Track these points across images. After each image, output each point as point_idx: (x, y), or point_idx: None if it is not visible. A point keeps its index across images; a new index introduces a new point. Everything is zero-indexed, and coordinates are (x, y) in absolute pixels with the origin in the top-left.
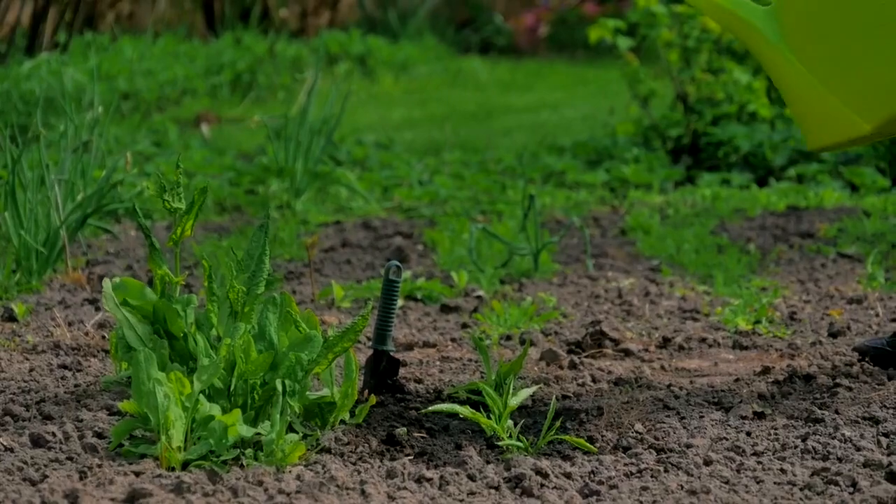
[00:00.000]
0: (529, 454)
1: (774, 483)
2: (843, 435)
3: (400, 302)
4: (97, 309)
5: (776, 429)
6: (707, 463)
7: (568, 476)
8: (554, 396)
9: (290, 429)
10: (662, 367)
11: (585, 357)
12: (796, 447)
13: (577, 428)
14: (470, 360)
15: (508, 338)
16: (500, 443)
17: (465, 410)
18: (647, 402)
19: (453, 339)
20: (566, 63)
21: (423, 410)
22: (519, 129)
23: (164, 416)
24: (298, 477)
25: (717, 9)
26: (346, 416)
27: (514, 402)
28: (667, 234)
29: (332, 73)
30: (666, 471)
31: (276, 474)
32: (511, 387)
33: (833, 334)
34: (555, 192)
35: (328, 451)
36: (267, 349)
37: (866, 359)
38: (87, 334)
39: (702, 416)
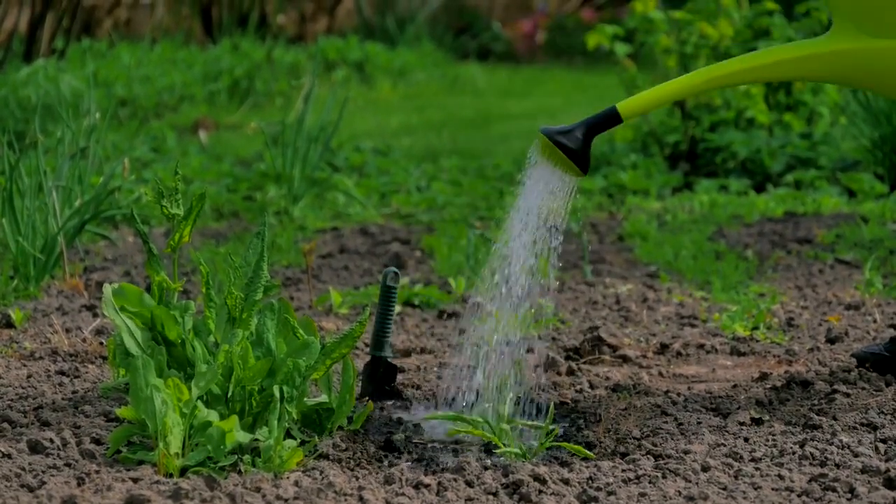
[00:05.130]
0: (527, 460)
1: (772, 489)
2: (840, 441)
3: (398, 308)
4: (95, 315)
5: (774, 435)
6: (705, 469)
7: (566, 482)
8: (552, 402)
9: (288, 435)
10: (660, 374)
11: (583, 363)
12: (794, 453)
13: (575, 434)
14: (469, 365)
15: (506, 344)
16: (497, 451)
17: (462, 419)
18: (644, 409)
19: (451, 346)
20: (564, 69)
21: (420, 419)
22: (517, 135)
23: (162, 423)
24: (296, 483)
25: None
26: (344, 423)
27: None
28: (664, 240)
29: (329, 79)
30: (664, 477)
31: (273, 480)
32: (509, 394)
33: (831, 340)
34: None
35: (326, 457)
36: (265, 355)
37: (866, 365)
38: (84, 341)
39: (699, 423)
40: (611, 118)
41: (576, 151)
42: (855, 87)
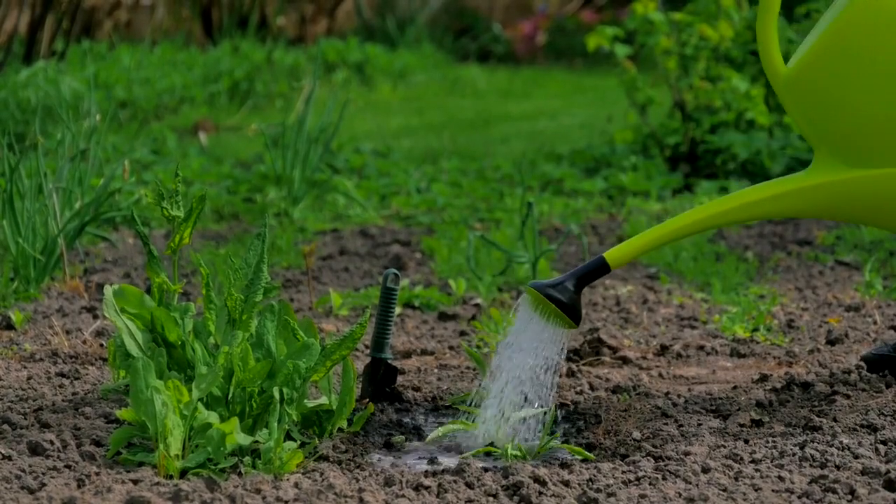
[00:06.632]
0: (527, 462)
1: (772, 490)
2: (841, 442)
3: (398, 310)
4: (95, 317)
5: (774, 436)
6: (705, 470)
7: (566, 484)
8: (552, 404)
9: (288, 437)
10: (660, 375)
11: (583, 365)
12: (794, 455)
13: (576, 435)
14: (468, 367)
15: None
16: (498, 452)
17: (463, 426)
18: (645, 410)
19: (451, 347)
20: (564, 71)
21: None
22: (517, 137)
23: (162, 424)
24: (296, 485)
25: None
26: (344, 424)
27: (514, 417)
28: None
29: (329, 81)
30: (664, 478)
31: (274, 482)
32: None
33: (831, 342)
34: (553, 199)
35: (326, 458)
36: (265, 357)
37: (872, 367)
38: (84, 342)
39: (700, 424)
40: (599, 269)
41: (568, 304)
42: (842, 220)
